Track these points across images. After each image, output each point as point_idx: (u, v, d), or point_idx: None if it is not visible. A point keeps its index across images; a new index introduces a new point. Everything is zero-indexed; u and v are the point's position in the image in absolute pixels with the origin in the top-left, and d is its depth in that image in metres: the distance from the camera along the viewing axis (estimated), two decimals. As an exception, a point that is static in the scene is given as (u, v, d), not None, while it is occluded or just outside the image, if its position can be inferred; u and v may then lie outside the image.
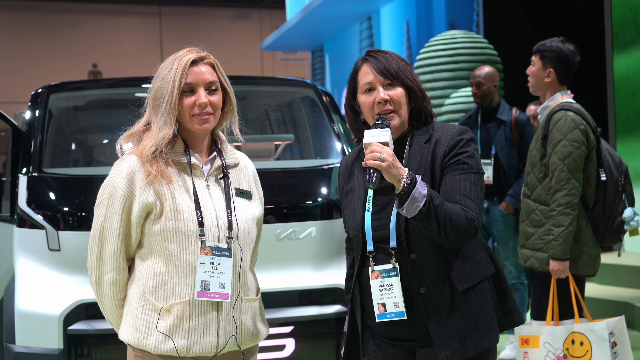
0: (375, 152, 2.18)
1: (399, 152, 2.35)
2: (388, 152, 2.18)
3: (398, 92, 2.34)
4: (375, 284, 2.32)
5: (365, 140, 2.24)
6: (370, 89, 2.35)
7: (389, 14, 12.35)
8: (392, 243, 2.29)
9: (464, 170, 2.28)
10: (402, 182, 2.16)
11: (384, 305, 2.31)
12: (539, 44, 3.90)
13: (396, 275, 2.29)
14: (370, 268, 2.33)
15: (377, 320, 2.33)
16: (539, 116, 3.95)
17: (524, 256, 3.84)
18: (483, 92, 5.51)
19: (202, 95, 2.28)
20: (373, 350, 2.43)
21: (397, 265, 2.29)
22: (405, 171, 2.18)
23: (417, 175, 2.19)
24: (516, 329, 3.73)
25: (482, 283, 2.32)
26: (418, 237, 2.27)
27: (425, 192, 2.16)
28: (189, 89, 2.29)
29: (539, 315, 3.84)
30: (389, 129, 2.25)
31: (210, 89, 2.31)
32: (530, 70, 3.90)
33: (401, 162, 2.31)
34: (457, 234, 2.20)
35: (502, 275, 2.41)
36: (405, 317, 2.29)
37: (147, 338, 2.26)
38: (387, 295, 2.31)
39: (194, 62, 2.30)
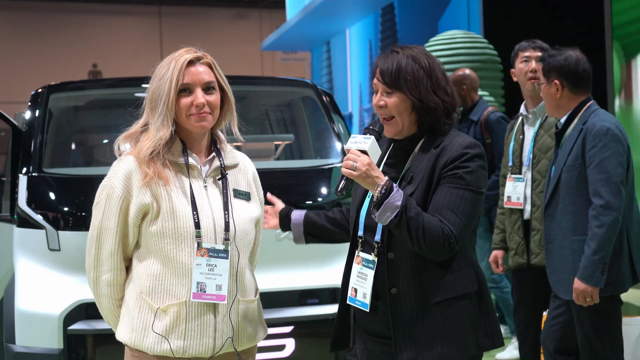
0: (349, 161, 2.20)
1: (407, 151, 2.33)
2: (363, 162, 2.18)
3: (392, 100, 2.29)
4: (355, 268, 2.35)
5: (347, 145, 2.25)
6: (376, 91, 2.34)
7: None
8: (377, 237, 2.30)
9: (459, 186, 2.22)
10: (377, 192, 2.17)
11: (355, 290, 2.35)
12: (544, 44, 3.97)
13: (372, 269, 2.30)
14: (357, 251, 2.36)
15: (347, 302, 2.38)
16: (532, 117, 3.96)
17: None
18: None
19: (199, 96, 2.27)
20: (362, 348, 2.44)
21: (376, 259, 2.30)
22: (382, 180, 2.18)
23: (394, 185, 2.18)
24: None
25: (460, 299, 2.27)
26: (399, 239, 2.26)
27: (399, 203, 2.15)
28: (186, 90, 2.28)
29: None
30: (372, 137, 2.24)
31: (207, 88, 2.31)
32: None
33: (404, 164, 2.31)
34: (431, 247, 2.17)
35: (487, 294, 2.35)
36: (368, 310, 2.30)
37: (143, 338, 2.26)
38: (361, 283, 2.34)
39: (191, 62, 2.29)
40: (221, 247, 2.28)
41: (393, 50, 2.34)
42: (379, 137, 2.32)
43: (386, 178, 2.19)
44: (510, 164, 4.02)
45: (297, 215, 2.66)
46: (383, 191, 2.16)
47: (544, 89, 3.45)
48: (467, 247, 2.32)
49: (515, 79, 4.06)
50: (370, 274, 2.31)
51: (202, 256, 2.25)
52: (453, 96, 2.33)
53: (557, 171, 3.36)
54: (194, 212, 2.26)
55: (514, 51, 4.05)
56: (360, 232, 2.36)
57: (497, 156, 5.22)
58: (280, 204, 2.71)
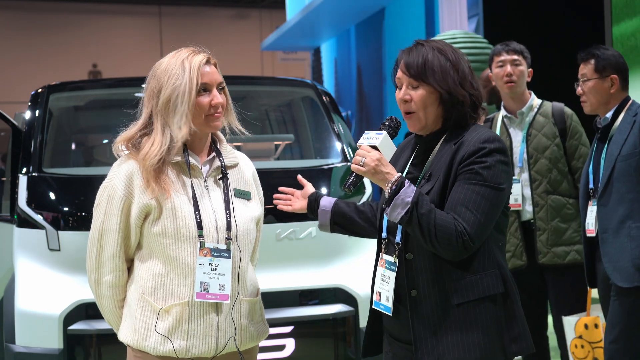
0: (358, 156, 2.16)
1: (430, 149, 2.29)
2: (372, 157, 2.14)
3: (418, 93, 2.23)
4: (379, 271, 2.30)
5: (360, 141, 2.22)
6: (400, 85, 2.29)
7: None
8: (397, 237, 2.25)
9: (475, 182, 2.14)
10: (387, 188, 2.13)
11: (380, 294, 2.30)
12: (518, 45, 4.01)
13: (394, 271, 2.25)
14: (381, 254, 2.31)
15: (372, 306, 2.33)
16: (519, 118, 3.97)
17: (561, 254, 3.83)
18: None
19: (217, 95, 2.29)
20: (386, 349, 2.40)
21: (397, 260, 2.25)
22: (393, 177, 2.13)
23: (407, 181, 2.13)
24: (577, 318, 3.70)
25: (483, 301, 2.19)
26: (416, 239, 2.21)
27: (409, 199, 2.09)
28: (203, 90, 2.29)
29: (579, 308, 3.83)
30: (384, 133, 2.20)
31: (219, 88, 2.32)
32: (518, 69, 3.95)
33: (424, 161, 2.27)
34: (444, 246, 2.11)
35: (514, 297, 2.25)
36: (391, 314, 2.26)
37: (146, 339, 2.26)
38: (384, 286, 2.28)
39: (205, 63, 2.31)
40: (223, 246, 2.28)
41: (418, 44, 2.28)
42: (393, 134, 2.25)
43: (398, 174, 2.14)
44: None
45: (327, 201, 2.59)
46: (394, 187, 2.11)
47: (595, 84, 3.49)
48: (492, 246, 2.23)
49: (493, 83, 4.09)
50: (392, 276, 2.25)
51: (205, 256, 2.25)
52: (479, 89, 2.27)
53: (609, 162, 3.38)
54: (196, 212, 2.26)
55: (489, 56, 4.09)
56: (384, 234, 2.32)
57: None
58: (310, 188, 2.66)
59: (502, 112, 4.05)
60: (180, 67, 2.27)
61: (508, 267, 2.32)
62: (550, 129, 3.90)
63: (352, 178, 2.20)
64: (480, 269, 2.20)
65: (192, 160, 2.32)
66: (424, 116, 2.25)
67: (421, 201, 2.11)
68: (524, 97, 3.99)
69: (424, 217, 2.09)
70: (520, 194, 3.92)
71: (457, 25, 8.44)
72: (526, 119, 3.97)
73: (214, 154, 2.39)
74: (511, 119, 4.00)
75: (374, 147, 2.17)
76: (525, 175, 3.92)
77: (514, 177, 3.93)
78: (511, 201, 3.90)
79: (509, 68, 3.94)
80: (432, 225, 2.09)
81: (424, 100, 2.23)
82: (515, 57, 3.97)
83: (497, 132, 4.04)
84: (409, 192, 2.11)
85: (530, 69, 4.02)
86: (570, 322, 3.74)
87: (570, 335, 3.74)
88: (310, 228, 3.91)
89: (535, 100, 3.99)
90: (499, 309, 2.21)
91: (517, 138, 3.97)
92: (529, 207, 3.91)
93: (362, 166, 2.14)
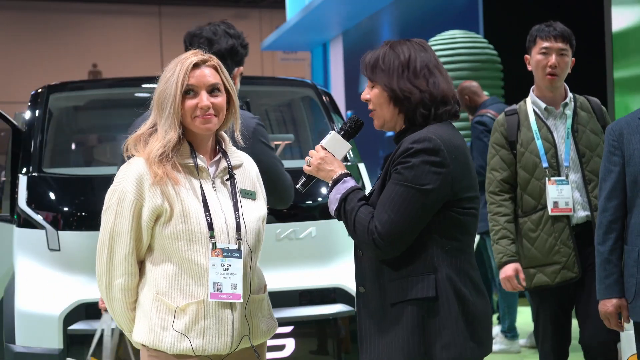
0: (308, 156, 2.32)
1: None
2: (317, 157, 2.31)
3: (373, 92, 2.31)
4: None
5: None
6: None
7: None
8: None
9: (397, 181, 2.17)
10: (329, 185, 2.28)
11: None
12: (566, 30, 3.54)
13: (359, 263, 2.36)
14: None
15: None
16: (561, 109, 3.51)
17: None
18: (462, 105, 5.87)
19: (203, 98, 2.29)
20: None
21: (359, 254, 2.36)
22: (335, 174, 2.28)
23: (344, 179, 2.26)
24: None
25: (412, 303, 2.18)
26: None
27: (339, 196, 2.24)
28: (190, 92, 2.29)
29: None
30: (332, 132, 2.34)
31: (212, 90, 2.32)
32: (563, 61, 3.48)
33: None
34: (360, 242, 2.23)
35: (448, 303, 2.19)
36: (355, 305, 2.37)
37: (162, 338, 2.27)
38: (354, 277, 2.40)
39: (197, 65, 2.31)
40: (234, 246, 2.30)
41: (383, 44, 2.35)
42: (350, 132, 2.36)
43: (341, 172, 2.28)
44: (545, 165, 3.45)
45: None
46: (331, 184, 2.28)
47: None
48: (433, 250, 2.20)
49: (529, 68, 3.57)
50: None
51: (217, 256, 2.27)
52: (437, 87, 2.25)
53: None
54: (207, 214, 2.28)
55: (531, 35, 3.57)
56: None
57: (475, 161, 4.99)
58: None
59: (535, 104, 3.55)
60: (172, 70, 2.30)
61: (456, 273, 2.20)
62: (596, 125, 3.50)
63: (303, 178, 2.37)
64: (413, 272, 2.20)
65: (199, 162, 2.33)
66: (381, 114, 2.32)
67: (349, 198, 2.23)
68: (562, 88, 3.54)
69: (347, 213, 2.22)
70: (570, 197, 3.42)
71: (338, 69, 12.54)
72: (566, 113, 3.52)
73: (220, 155, 2.40)
74: (551, 112, 3.53)
75: (323, 148, 2.33)
76: (573, 176, 3.47)
77: (561, 178, 3.45)
78: (562, 205, 3.44)
79: (553, 59, 3.46)
80: (352, 222, 2.21)
81: (378, 99, 2.30)
82: (562, 45, 3.47)
83: (533, 126, 3.52)
84: (341, 189, 2.25)
85: (573, 58, 3.54)
86: (630, 337, 3.27)
87: (630, 351, 3.42)
88: (310, 228, 3.91)
89: (569, 92, 3.56)
90: (427, 313, 2.19)
91: (560, 134, 3.50)
92: (580, 213, 3.46)
93: (308, 165, 2.32)
